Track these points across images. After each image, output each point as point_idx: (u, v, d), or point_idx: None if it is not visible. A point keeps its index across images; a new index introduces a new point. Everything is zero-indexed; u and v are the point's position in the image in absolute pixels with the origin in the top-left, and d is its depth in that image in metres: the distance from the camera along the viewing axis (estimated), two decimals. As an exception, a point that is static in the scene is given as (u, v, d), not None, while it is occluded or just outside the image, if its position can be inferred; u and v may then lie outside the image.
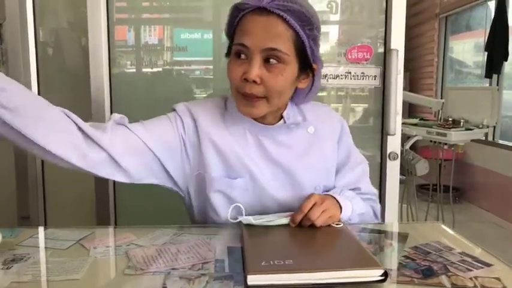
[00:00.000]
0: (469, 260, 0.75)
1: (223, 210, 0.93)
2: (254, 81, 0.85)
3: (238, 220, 0.86)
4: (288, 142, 0.97)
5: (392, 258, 0.78)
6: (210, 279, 0.67)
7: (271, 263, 0.68)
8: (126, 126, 0.91)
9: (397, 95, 1.69)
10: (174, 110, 0.98)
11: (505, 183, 3.69)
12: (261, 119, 0.94)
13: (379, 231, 0.92)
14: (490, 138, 3.96)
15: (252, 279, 0.64)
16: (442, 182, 3.41)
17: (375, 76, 1.74)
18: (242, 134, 0.95)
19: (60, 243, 0.84)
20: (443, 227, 0.98)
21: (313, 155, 0.98)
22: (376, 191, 1.09)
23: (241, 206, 0.88)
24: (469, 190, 4.26)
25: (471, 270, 0.70)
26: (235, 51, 0.88)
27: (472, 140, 3.21)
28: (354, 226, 0.92)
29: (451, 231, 0.93)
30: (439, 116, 3.26)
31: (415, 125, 3.14)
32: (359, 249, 0.73)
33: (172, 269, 0.71)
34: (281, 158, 0.95)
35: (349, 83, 1.73)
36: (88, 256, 0.77)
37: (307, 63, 0.91)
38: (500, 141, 3.93)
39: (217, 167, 0.94)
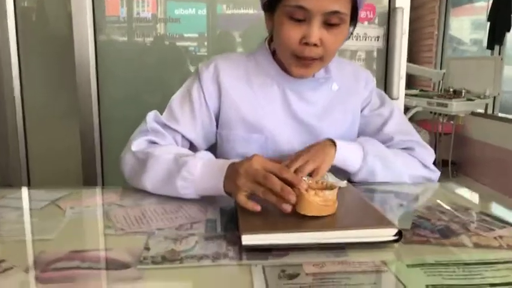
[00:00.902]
0: (489, 219, 0.67)
1: None
2: (315, 44, 0.81)
3: None
4: (313, 99, 0.93)
5: (404, 218, 0.70)
6: (200, 239, 0.59)
7: (269, 221, 0.60)
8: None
9: (402, 57, 1.60)
10: (198, 73, 0.93)
11: (503, 156, 3.64)
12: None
13: (387, 192, 0.85)
14: (489, 111, 3.88)
15: (247, 239, 0.56)
16: (440, 156, 3.35)
17: (378, 37, 1.64)
18: (269, 88, 0.92)
19: (34, 203, 0.75)
20: (455, 187, 0.90)
21: (336, 113, 0.94)
22: (415, 136, 0.96)
23: None
24: (467, 164, 4.20)
25: (493, 230, 0.63)
26: (290, 12, 0.80)
27: (471, 114, 3.13)
28: (359, 187, 0.84)
29: (464, 191, 0.85)
30: (440, 87, 3.17)
31: (415, 95, 3.06)
32: (369, 208, 0.65)
33: (158, 229, 0.63)
34: (305, 116, 0.92)
35: (351, 44, 1.63)
36: (63, 216, 0.68)
37: (355, 17, 0.86)
38: (500, 114, 3.85)
39: (237, 126, 0.91)
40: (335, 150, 0.83)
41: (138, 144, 0.84)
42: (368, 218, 0.62)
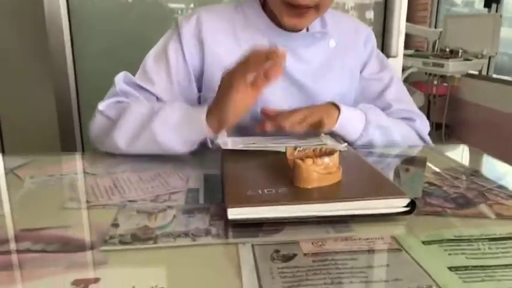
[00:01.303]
0: (509, 185, 0.59)
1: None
2: None
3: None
4: (307, 57, 0.83)
5: (412, 184, 0.62)
6: (178, 212, 0.50)
7: (260, 192, 0.51)
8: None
9: (402, 11, 1.49)
10: (177, 27, 0.81)
11: (497, 118, 3.58)
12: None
13: (388, 155, 0.76)
14: (483, 73, 3.79)
15: (233, 213, 0.47)
16: (433, 119, 3.29)
17: (376, -11, 1.52)
18: (259, 44, 0.80)
19: (-11, 172, 0.66)
20: (462, 149, 0.82)
21: (334, 72, 0.85)
22: (415, 110, 0.89)
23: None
24: (459, 127, 4.15)
25: (515, 198, 0.55)
26: None
27: (466, 75, 3.04)
28: (360, 151, 0.75)
29: (476, 152, 0.77)
30: (436, 47, 3.05)
31: (410, 55, 2.94)
32: (374, 174, 0.57)
33: (129, 201, 0.54)
34: (298, 75, 0.82)
35: (347, -4, 1.50)
36: (21, 187, 0.59)
37: None
38: (495, 76, 3.76)
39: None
40: (338, 114, 0.74)
41: (106, 104, 0.75)
42: (374, 186, 0.54)
